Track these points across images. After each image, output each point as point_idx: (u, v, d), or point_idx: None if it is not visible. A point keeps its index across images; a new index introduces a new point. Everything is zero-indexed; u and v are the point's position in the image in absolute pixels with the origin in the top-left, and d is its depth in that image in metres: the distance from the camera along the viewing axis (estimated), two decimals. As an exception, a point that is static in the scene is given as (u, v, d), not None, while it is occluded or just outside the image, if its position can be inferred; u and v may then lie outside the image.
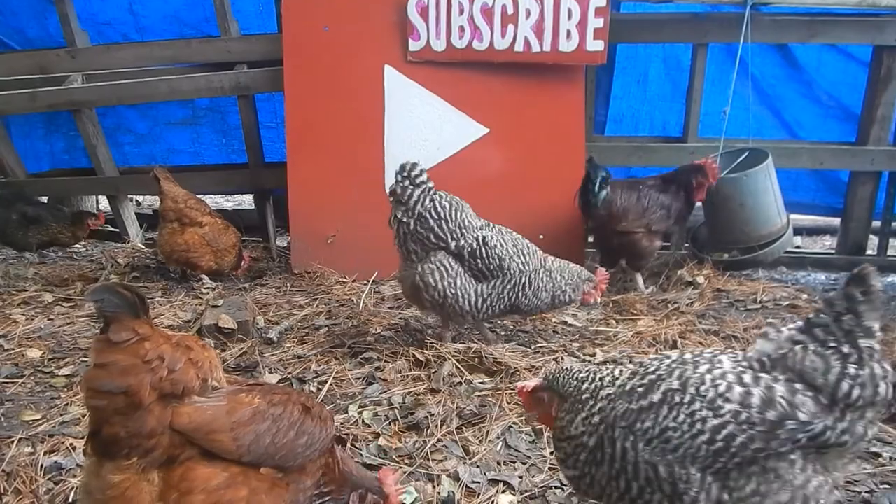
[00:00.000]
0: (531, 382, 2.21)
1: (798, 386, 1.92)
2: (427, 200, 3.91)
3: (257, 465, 1.95)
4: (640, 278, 5.45)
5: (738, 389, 1.93)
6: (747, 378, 1.95)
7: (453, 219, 3.93)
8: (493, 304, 3.99)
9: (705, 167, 5.28)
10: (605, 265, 5.05)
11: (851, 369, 1.90)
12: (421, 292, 3.94)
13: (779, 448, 1.88)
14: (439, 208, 3.91)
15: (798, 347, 1.97)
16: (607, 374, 2.15)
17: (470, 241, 3.93)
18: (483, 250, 3.92)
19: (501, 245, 3.98)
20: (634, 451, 1.97)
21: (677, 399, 1.96)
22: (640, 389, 2.03)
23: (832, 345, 1.93)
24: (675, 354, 2.15)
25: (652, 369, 2.09)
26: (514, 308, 4.08)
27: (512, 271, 3.97)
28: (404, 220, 3.93)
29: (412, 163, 3.95)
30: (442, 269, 3.91)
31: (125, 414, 1.76)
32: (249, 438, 1.92)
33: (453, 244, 3.92)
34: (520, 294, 4.00)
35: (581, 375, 2.16)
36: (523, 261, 4.02)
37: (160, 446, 1.82)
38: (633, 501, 2.02)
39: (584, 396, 2.11)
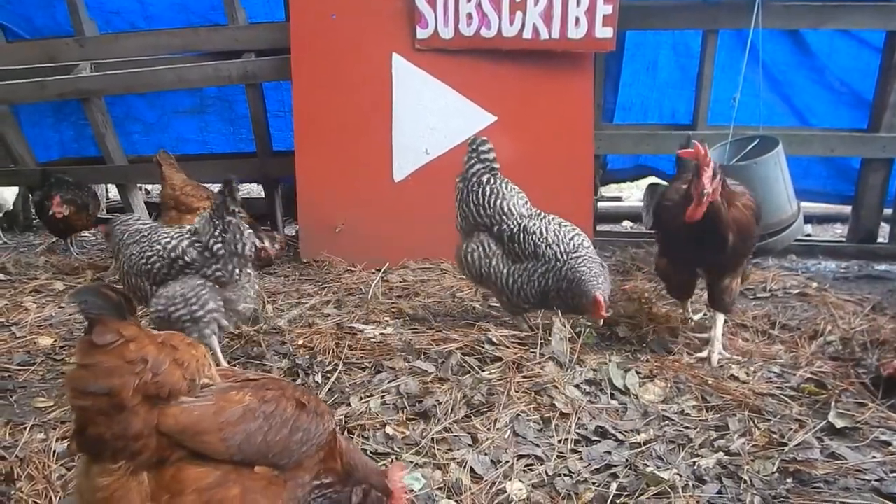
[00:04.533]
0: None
1: (198, 244, 3.38)
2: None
3: (251, 464, 1.92)
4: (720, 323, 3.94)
5: (165, 239, 3.47)
6: (175, 234, 3.49)
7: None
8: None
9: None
10: (679, 296, 4.32)
11: (216, 232, 3.35)
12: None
13: (179, 272, 3.40)
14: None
15: (205, 217, 3.41)
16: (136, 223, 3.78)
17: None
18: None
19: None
20: (122, 267, 3.60)
21: (141, 240, 3.57)
22: (142, 236, 3.60)
23: (213, 218, 3.37)
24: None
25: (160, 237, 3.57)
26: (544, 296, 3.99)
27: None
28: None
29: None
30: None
31: (109, 415, 1.74)
32: (239, 438, 1.88)
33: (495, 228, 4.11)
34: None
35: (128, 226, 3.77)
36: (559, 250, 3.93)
37: (148, 449, 1.79)
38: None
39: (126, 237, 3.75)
